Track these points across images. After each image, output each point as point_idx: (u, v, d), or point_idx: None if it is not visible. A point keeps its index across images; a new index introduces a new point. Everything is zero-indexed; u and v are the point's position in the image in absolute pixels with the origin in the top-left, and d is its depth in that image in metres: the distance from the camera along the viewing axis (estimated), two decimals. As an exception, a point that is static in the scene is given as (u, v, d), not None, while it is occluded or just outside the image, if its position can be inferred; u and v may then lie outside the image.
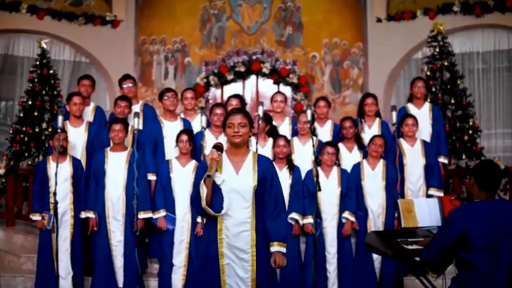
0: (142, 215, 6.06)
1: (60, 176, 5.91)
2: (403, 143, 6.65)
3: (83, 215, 6.18)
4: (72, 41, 10.92)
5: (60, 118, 5.72)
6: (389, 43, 10.66)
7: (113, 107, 6.68)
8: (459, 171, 8.34)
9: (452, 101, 8.75)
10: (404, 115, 6.80)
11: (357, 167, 6.42)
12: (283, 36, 11.34)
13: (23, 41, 10.73)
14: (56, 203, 5.53)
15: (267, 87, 11.09)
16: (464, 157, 8.61)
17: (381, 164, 6.40)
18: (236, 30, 11.41)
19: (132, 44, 11.33)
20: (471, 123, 8.75)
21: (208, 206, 3.87)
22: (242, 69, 11.06)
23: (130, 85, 6.97)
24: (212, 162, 3.85)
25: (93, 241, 6.26)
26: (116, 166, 6.12)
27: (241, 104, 6.83)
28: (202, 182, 3.88)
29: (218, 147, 3.95)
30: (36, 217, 6.20)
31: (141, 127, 6.49)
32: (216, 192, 3.93)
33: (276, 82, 11.17)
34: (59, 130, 5.72)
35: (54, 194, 5.52)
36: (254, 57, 11.11)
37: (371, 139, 6.43)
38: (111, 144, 6.25)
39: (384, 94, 10.61)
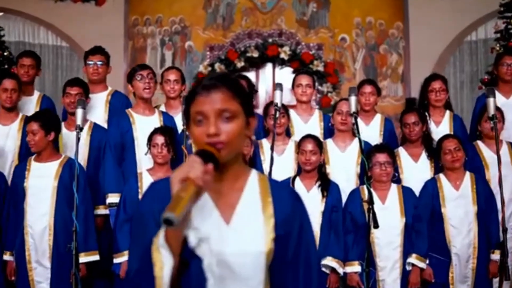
0: (83, 258, 4.22)
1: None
2: (483, 148, 4.83)
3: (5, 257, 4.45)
4: (46, 21, 9.65)
5: None
6: (436, 22, 9.51)
7: (62, 96, 4.92)
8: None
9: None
10: (483, 106, 4.86)
11: (431, 186, 4.47)
12: (305, 15, 10.20)
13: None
14: None
15: (286, 77, 9.71)
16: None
17: (467, 179, 4.48)
18: (247, 8, 10.24)
19: (121, 26, 10.14)
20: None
21: None
22: (255, 54, 9.90)
23: (99, 63, 5.16)
24: (184, 190, 1.61)
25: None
26: (42, 183, 4.37)
27: (249, 88, 4.95)
28: (158, 241, 1.68)
29: (206, 153, 1.73)
30: None
31: (105, 124, 4.98)
32: (187, 270, 1.72)
33: (297, 71, 9.55)
34: None
35: None
36: (270, 40, 9.99)
37: (440, 145, 4.56)
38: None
39: (430, 85, 9.51)
